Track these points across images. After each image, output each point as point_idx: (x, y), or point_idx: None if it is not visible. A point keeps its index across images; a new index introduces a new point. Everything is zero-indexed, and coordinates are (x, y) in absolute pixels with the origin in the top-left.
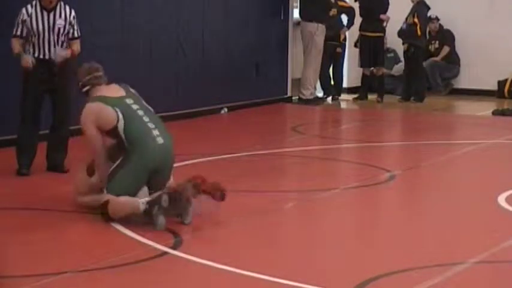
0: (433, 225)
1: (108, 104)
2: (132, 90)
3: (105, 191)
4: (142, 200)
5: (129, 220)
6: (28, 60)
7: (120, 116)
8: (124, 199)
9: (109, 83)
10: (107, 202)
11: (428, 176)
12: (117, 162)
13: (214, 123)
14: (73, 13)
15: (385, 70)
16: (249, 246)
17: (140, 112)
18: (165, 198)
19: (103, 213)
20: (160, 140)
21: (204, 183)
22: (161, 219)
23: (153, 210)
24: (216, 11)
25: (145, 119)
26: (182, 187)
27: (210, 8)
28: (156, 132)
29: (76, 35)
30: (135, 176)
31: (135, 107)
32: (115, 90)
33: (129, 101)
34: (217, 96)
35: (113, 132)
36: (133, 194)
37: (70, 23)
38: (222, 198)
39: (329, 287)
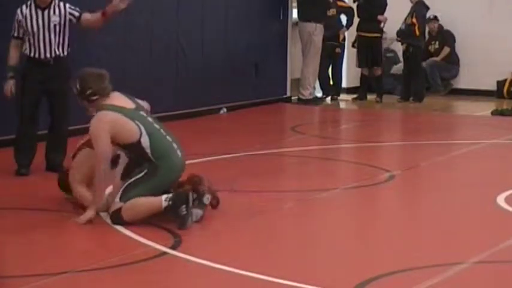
0: (433, 225)
1: (127, 116)
2: (138, 100)
3: (117, 199)
4: (164, 196)
5: (145, 221)
6: (8, 89)
7: (144, 131)
8: (143, 199)
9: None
10: (119, 209)
11: (428, 176)
12: (138, 175)
13: (214, 123)
14: (67, 5)
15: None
16: (248, 246)
17: (157, 126)
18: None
19: (116, 222)
20: (180, 153)
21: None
22: (196, 212)
23: (181, 207)
24: (216, 11)
25: (163, 132)
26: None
27: (210, 8)
28: (175, 146)
29: (80, 11)
30: (156, 189)
31: (150, 119)
32: (123, 100)
33: (143, 113)
34: (217, 96)
35: (134, 146)
36: None
37: (69, 14)
38: (216, 205)
39: (329, 287)
